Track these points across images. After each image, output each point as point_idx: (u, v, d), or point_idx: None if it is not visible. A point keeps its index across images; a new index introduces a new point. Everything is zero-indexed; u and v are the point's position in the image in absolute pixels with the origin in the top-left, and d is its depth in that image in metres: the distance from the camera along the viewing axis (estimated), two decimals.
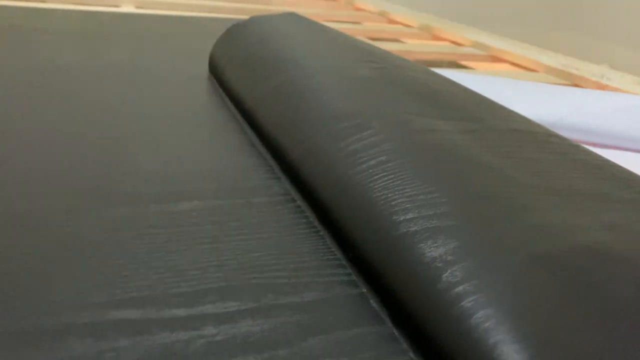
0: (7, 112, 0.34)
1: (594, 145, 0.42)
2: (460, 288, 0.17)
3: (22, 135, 0.31)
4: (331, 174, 0.25)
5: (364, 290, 0.20)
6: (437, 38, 0.97)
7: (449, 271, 0.18)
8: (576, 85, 0.64)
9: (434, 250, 0.19)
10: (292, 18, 0.49)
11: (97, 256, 0.20)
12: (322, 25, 0.49)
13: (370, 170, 0.24)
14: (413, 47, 0.84)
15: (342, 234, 0.23)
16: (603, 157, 0.28)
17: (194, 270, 0.20)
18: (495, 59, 0.82)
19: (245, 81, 0.40)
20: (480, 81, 0.50)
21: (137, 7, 0.91)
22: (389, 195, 0.22)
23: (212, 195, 0.26)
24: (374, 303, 0.20)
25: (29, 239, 0.21)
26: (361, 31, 0.95)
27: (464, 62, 0.83)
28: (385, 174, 0.23)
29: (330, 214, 0.24)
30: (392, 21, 1.11)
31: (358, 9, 1.23)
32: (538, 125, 0.32)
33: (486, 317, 0.16)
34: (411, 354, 0.17)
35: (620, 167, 0.27)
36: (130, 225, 0.23)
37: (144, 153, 0.30)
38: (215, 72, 0.47)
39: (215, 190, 0.27)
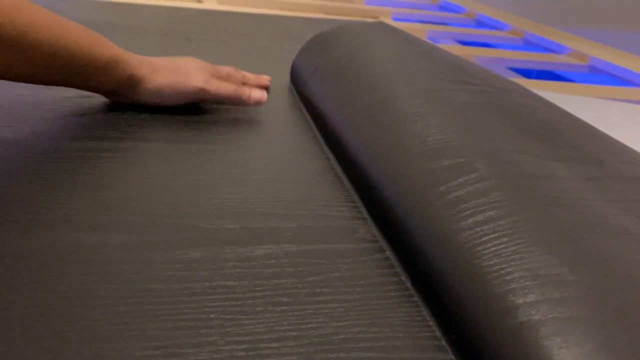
0: None
1: None
2: None
3: None
4: (429, 225, 0.22)
5: None
6: (528, 43, 0.91)
7: None
8: None
9: (564, 352, 0.15)
10: (381, 28, 0.46)
11: (170, 312, 0.18)
12: (412, 37, 0.45)
13: (478, 228, 0.20)
14: (506, 53, 0.79)
15: (441, 306, 0.19)
16: None
17: (272, 341, 0.17)
18: (593, 69, 0.75)
19: (329, 98, 0.37)
20: (586, 104, 0.45)
21: (219, 3, 0.91)
22: (503, 266, 0.18)
23: (292, 237, 0.23)
24: None
25: (97, 283, 0.19)
26: (447, 32, 0.90)
27: (560, 72, 0.77)
28: (496, 234, 0.20)
29: (427, 277, 0.21)
30: (479, 22, 1.05)
31: (442, 8, 1.17)
32: None
33: None
34: None
35: None
36: (205, 275, 0.20)
37: (218, 178, 0.28)
38: (297, 83, 0.44)
39: (296, 231, 0.24)
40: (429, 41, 0.45)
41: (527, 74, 0.81)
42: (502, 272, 0.18)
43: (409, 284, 0.21)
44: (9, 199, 0.24)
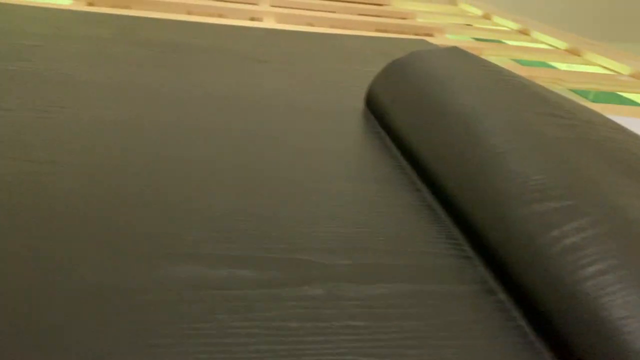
0: (155, 142, 0.35)
1: None
2: None
3: (169, 166, 0.31)
4: (546, 272, 0.22)
5: None
6: (587, 62, 0.89)
7: None
8: None
9: None
10: (459, 55, 0.46)
11: (310, 351, 0.19)
12: (491, 64, 0.45)
13: (601, 277, 0.21)
14: (565, 74, 0.78)
15: (567, 358, 0.20)
16: None
17: None
18: None
19: (415, 129, 0.38)
20: None
21: (278, 22, 0.92)
22: (637, 319, 0.19)
23: (404, 276, 0.24)
24: None
25: (234, 320, 0.20)
26: (503, 49, 0.90)
27: (625, 94, 0.76)
28: (622, 284, 0.20)
29: (548, 326, 0.21)
30: (534, 40, 1.04)
31: (496, 25, 1.17)
32: None
33: None
34: None
35: None
36: (332, 313, 0.21)
37: (316, 210, 0.29)
38: (375, 110, 0.45)
39: (406, 270, 0.25)
40: (507, 69, 0.45)
41: (587, 95, 0.80)
42: (635, 325, 0.18)
43: (527, 329, 0.22)
44: (130, 231, 0.25)
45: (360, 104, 0.49)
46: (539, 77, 0.73)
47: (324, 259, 0.25)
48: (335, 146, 0.39)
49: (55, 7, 0.77)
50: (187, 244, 0.25)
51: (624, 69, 0.82)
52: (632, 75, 0.79)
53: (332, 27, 1.07)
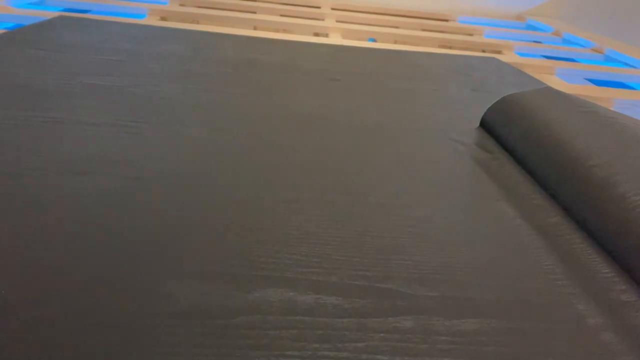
0: (237, 161, 0.35)
1: None
2: None
3: (251, 190, 0.31)
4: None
5: None
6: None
7: None
8: None
9: None
10: (558, 97, 0.46)
11: None
12: (591, 105, 0.44)
13: None
14: None
15: None
16: None
17: None
18: None
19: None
20: None
21: (344, 38, 0.93)
22: None
23: (495, 311, 0.24)
24: None
25: (325, 349, 0.20)
26: (576, 70, 0.87)
27: None
28: None
29: None
30: (608, 58, 1.00)
31: (566, 41, 1.13)
32: None
33: None
34: None
35: None
36: (423, 349, 0.21)
37: (403, 236, 0.29)
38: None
39: (496, 305, 0.24)
40: (605, 108, 0.44)
41: None
42: None
43: None
44: (224, 253, 0.26)
45: (438, 124, 0.48)
46: (619, 99, 0.70)
47: (411, 289, 0.24)
48: (420, 170, 0.38)
49: (133, 22, 0.81)
50: (275, 267, 0.25)
51: None
52: None
53: (395, 42, 1.07)
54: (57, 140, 0.36)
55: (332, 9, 1.24)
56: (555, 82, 0.76)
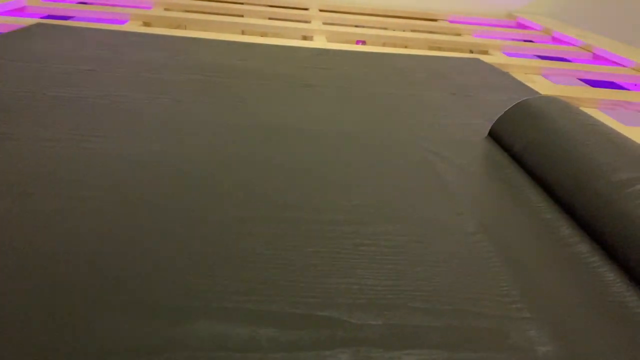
0: (193, 176, 0.34)
1: None
2: None
3: (198, 208, 0.30)
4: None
5: None
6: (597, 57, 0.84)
7: None
8: None
9: None
10: (565, 107, 0.45)
11: None
12: (582, 113, 0.43)
13: None
14: (632, 95, 0.73)
15: None
16: None
17: None
18: None
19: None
20: None
21: (329, 41, 0.92)
22: None
23: (439, 340, 0.22)
24: None
25: None
26: (567, 69, 0.85)
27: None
28: None
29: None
30: (597, 56, 0.98)
31: (555, 39, 1.12)
32: None
33: None
34: None
35: None
36: None
37: (353, 256, 0.28)
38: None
39: (442, 333, 0.23)
40: (596, 120, 0.43)
41: None
42: None
43: None
44: (158, 282, 0.24)
45: (411, 133, 0.47)
46: (606, 99, 0.69)
47: (353, 317, 0.23)
48: (384, 183, 0.37)
49: (113, 29, 0.80)
50: (211, 296, 0.24)
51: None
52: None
53: (384, 45, 1.06)
54: (2, 159, 0.34)
55: (320, 10, 1.23)
56: (541, 83, 0.75)
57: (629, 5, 1.25)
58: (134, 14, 0.94)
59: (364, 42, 1.17)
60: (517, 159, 0.42)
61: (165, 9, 1.07)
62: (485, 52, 0.97)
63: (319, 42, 0.87)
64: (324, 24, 1.07)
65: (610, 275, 0.28)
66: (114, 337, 0.21)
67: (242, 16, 1.14)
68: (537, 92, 0.65)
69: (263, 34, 1.17)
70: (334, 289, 0.25)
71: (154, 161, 0.36)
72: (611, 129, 0.40)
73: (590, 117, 0.43)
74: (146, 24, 0.96)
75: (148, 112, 0.46)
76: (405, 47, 1.13)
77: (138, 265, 0.25)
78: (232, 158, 0.38)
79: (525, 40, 1.14)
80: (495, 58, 0.88)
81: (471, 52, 1.02)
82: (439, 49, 1.12)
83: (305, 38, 1.06)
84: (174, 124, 0.44)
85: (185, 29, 1.07)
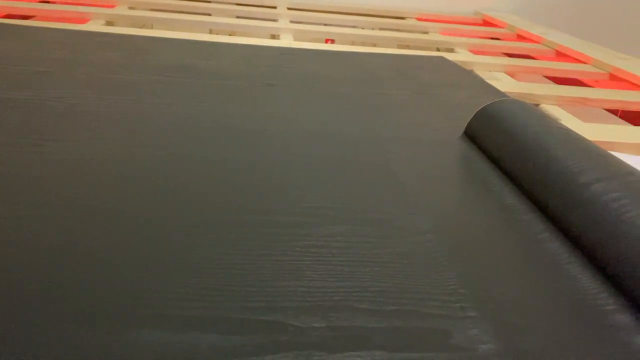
0: (144, 183, 0.34)
1: None
2: None
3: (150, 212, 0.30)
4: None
5: None
6: (617, 79, 0.86)
7: None
8: None
9: None
10: (533, 110, 0.45)
11: None
12: (546, 116, 0.44)
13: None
14: (594, 92, 0.74)
15: None
16: None
17: None
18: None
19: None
20: None
21: (296, 39, 0.92)
22: None
23: (382, 341, 0.22)
24: None
25: None
26: (532, 69, 0.87)
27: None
28: None
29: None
30: (562, 55, 1.00)
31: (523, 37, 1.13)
32: None
33: None
34: None
35: None
36: None
37: (317, 268, 0.28)
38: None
39: (385, 334, 0.23)
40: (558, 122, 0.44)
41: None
42: None
43: None
44: (102, 289, 0.24)
45: (371, 132, 0.47)
46: (569, 96, 0.70)
47: (298, 320, 0.23)
48: (340, 184, 0.37)
49: (74, 28, 0.78)
50: (154, 303, 0.23)
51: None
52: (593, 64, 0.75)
53: (353, 43, 1.06)
54: None
55: (289, 8, 1.23)
56: (504, 81, 0.76)
57: (592, 4, 1.28)
58: (96, 13, 0.92)
59: (333, 41, 1.17)
60: (489, 159, 0.43)
61: (130, 8, 1.06)
62: (452, 50, 0.98)
63: (285, 41, 0.87)
64: (292, 22, 1.07)
65: (566, 274, 0.29)
66: (41, 348, 0.20)
67: (209, 15, 1.13)
68: (499, 90, 0.66)
69: (232, 33, 1.16)
70: (281, 292, 0.25)
71: (103, 164, 0.36)
72: (573, 132, 0.41)
73: (555, 121, 0.43)
74: (109, 23, 0.95)
75: (104, 115, 0.45)
76: (374, 45, 1.13)
77: (77, 271, 0.25)
78: (185, 160, 0.38)
79: (491, 38, 1.15)
80: (460, 56, 0.89)
81: (438, 50, 1.03)
82: (407, 47, 1.13)
83: (273, 37, 1.06)
84: (129, 126, 0.43)
85: (152, 28, 1.05)
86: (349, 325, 0.23)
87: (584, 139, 0.39)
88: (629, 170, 0.33)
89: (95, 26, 0.84)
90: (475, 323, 0.24)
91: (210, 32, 1.15)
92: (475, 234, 0.32)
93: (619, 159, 0.36)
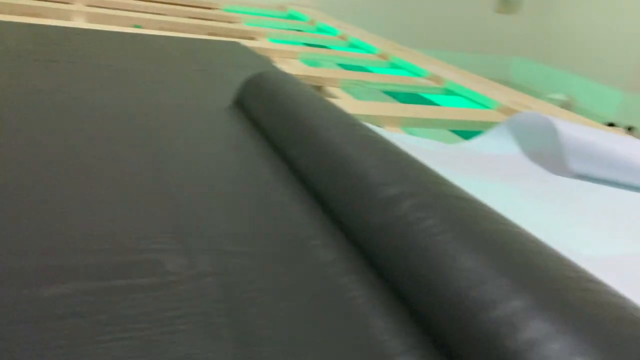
0: None
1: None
2: None
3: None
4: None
5: None
6: (395, 66, 0.96)
7: None
8: None
9: None
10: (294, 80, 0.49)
11: None
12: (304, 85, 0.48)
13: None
14: (376, 76, 0.83)
15: None
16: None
17: None
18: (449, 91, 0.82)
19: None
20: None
21: (88, 21, 0.88)
22: None
23: (93, 273, 0.24)
24: None
25: None
26: (327, 54, 0.93)
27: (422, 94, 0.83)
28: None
29: None
30: (352, 44, 1.10)
31: (320, 30, 1.22)
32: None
33: None
34: None
35: None
36: None
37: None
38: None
39: (98, 268, 0.24)
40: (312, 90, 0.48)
41: (395, 95, 0.86)
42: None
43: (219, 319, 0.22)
44: None
45: (140, 108, 0.48)
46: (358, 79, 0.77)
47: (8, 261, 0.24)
48: (99, 169, 0.37)
49: None
50: None
51: (423, 72, 0.89)
52: (428, 78, 0.87)
53: (161, 29, 1.04)
54: None
55: None
56: (293, 65, 0.81)
57: (381, 2, 1.41)
58: None
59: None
60: (253, 125, 0.45)
61: None
62: (253, 38, 1.02)
63: (78, 22, 0.83)
64: (88, 5, 1.02)
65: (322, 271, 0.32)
66: None
67: None
68: (285, 72, 0.71)
69: (27, 14, 1.07)
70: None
71: None
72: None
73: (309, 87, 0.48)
74: None
75: None
76: (184, 33, 1.13)
77: None
78: None
79: (293, 30, 1.22)
80: (258, 43, 0.93)
81: (242, 38, 1.06)
82: (215, 34, 1.15)
83: (69, 20, 1.00)
84: None
85: None
86: (63, 263, 0.24)
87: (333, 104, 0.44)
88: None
89: None
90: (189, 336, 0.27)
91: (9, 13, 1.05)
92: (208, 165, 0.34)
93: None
